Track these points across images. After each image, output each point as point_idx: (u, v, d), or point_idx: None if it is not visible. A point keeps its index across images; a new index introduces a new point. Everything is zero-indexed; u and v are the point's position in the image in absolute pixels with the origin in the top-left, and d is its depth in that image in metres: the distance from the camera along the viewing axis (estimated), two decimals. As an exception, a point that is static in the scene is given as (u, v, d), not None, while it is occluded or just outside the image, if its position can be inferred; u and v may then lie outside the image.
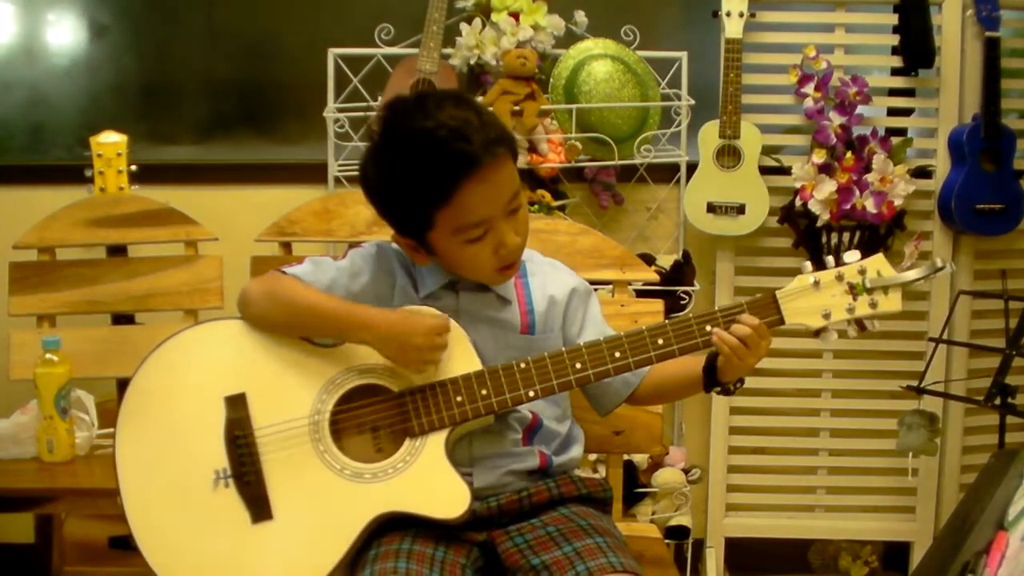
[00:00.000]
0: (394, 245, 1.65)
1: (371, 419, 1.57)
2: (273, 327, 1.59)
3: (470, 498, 1.51)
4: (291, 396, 1.56)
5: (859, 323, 1.58)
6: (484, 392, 1.54)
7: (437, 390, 1.55)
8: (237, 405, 1.55)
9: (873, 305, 1.55)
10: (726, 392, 1.60)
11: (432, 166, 1.48)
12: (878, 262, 1.57)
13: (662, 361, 1.57)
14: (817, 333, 1.58)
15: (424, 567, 1.47)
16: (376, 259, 1.65)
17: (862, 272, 1.56)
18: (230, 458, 1.53)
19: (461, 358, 1.56)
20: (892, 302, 1.56)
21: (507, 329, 1.63)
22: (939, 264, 1.55)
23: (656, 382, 1.67)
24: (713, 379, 1.59)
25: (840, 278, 1.56)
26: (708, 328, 1.55)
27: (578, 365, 1.55)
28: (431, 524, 1.52)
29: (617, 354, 1.55)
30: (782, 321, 1.56)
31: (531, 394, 1.55)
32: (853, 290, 1.55)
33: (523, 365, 1.55)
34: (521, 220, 1.57)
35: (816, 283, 1.56)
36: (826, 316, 1.55)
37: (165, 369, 1.59)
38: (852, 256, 1.57)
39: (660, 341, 1.55)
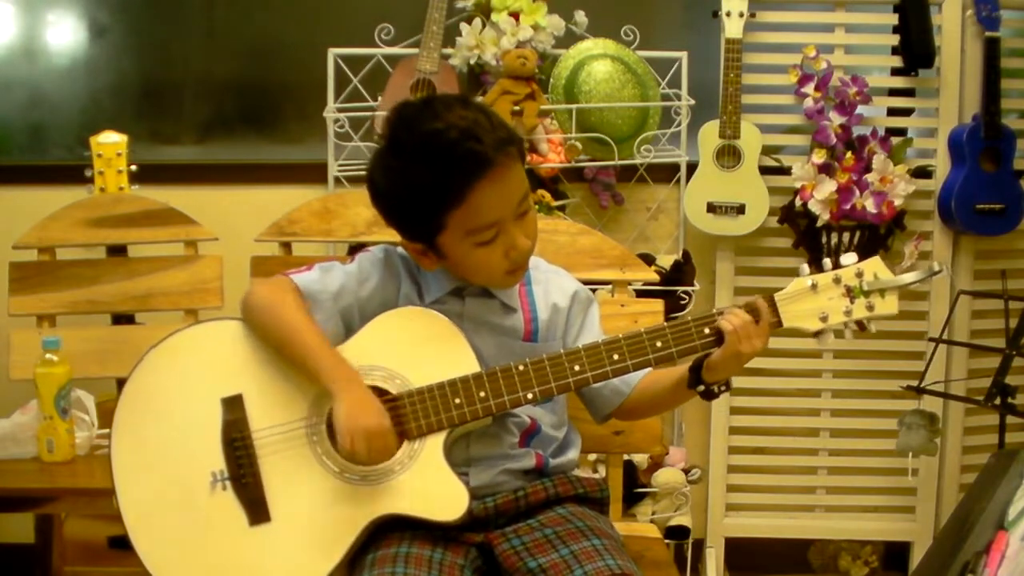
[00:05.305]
0: (400, 250, 1.64)
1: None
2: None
3: (468, 500, 1.51)
4: (289, 398, 1.55)
5: (858, 322, 1.57)
6: (482, 394, 1.53)
7: (435, 392, 1.54)
8: (234, 406, 1.55)
9: (870, 308, 1.55)
10: (709, 394, 1.58)
11: (444, 167, 1.47)
12: (875, 265, 1.56)
13: (660, 364, 1.57)
14: (815, 335, 1.58)
15: (422, 570, 1.47)
16: (384, 264, 1.64)
17: (859, 275, 1.55)
18: (227, 460, 1.53)
19: (459, 361, 1.55)
20: (889, 305, 1.56)
21: (511, 336, 1.63)
22: (936, 268, 1.55)
23: (646, 387, 1.65)
24: (699, 376, 1.57)
25: (837, 281, 1.55)
26: (706, 330, 1.54)
27: (576, 367, 1.54)
28: (429, 526, 1.52)
29: (615, 356, 1.55)
30: (780, 324, 1.55)
31: (529, 396, 1.54)
32: (850, 293, 1.55)
33: (521, 368, 1.54)
34: (530, 223, 1.57)
35: (813, 286, 1.55)
36: (823, 319, 1.55)
37: (161, 370, 1.58)
38: (849, 258, 1.56)
39: (658, 344, 1.55)
